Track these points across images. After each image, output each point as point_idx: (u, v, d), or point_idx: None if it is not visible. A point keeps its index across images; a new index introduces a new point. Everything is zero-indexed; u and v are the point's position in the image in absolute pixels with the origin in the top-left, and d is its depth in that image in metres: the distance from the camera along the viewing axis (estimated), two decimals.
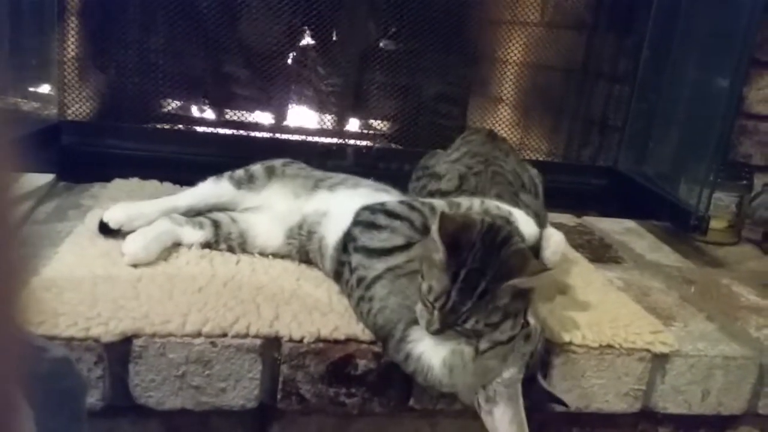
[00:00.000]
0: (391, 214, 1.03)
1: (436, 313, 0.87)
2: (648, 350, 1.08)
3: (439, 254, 0.86)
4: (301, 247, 1.18)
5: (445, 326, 0.87)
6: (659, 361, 1.09)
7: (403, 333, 0.93)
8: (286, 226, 1.19)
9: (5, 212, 0.35)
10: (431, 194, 1.23)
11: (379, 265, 0.98)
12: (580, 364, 1.06)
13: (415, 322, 0.92)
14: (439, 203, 1.06)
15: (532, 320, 0.89)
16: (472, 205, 1.05)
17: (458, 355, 0.88)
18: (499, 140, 1.40)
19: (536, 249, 1.05)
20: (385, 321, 0.95)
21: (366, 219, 1.04)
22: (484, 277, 0.85)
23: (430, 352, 0.90)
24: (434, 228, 0.87)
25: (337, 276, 1.08)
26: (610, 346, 1.07)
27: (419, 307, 0.90)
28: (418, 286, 0.90)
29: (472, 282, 0.85)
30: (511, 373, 0.87)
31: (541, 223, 1.15)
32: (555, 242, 1.11)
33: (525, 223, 1.03)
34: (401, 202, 1.06)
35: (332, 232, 1.10)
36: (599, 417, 1.10)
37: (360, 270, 1.00)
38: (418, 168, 1.37)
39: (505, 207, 1.06)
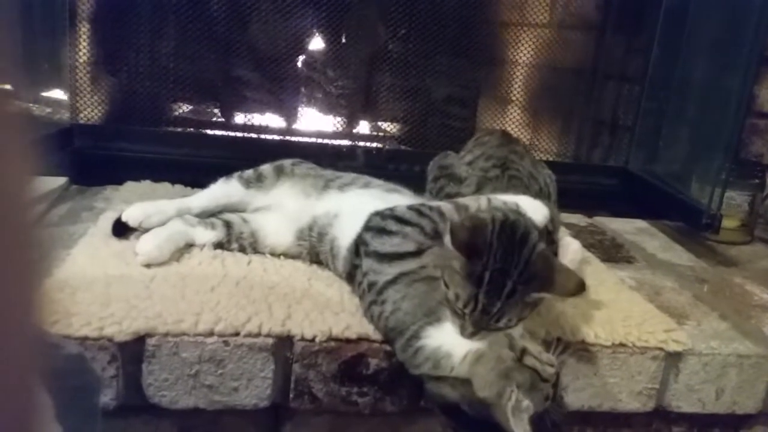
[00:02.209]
0: (401, 220, 1.03)
1: (467, 318, 0.87)
2: (661, 349, 1.07)
3: (459, 262, 0.87)
4: (311, 249, 1.18)
5: (479, 329, 0.87)
6: (673, 359, 1.09)
7: (414, 332, 0.92)
8: (297, 226, 1.19)
9: (21, 214, 0.36)
10: (449, 197, 1.22)
11: (391, 270, 0.98)
12: (592, 362, 1.05)
13: (431, 324, 0.92)
14: (447, 207, 1.06)
15: (556, 361, 0.89)
16: (479, 205, 1.05)
17: (494, 355, 0.86)
18: (513, 141, 1.39)
19: (548, 230, 1.06)
20: (396, 323, 0.95)
21: (377, 225, 1.05)
22: (509, 276, 0.86)
23: (451, 343, 0.89)
24: (447, 240, 0.88)
25: (350, 278, 1.09)
26: (623, 345, 1.06)
27: (450, 315, 0.90)
28: (439, 291, 0.91)
29: (497, 283, 0.85)
30: (528, 404, 0.83)
31: (554, 227, 1.15)
32: (573, 251, 1.18)
33: (533, 211, 1.03)
34: (410, 208, 1.06)
35: (345, 234, 1.10)
36: (612, 416, 1.10)
37: (371, 275, 1.00)
38: (434, 168, 1.35)
39: (511, 199, 1.06)
